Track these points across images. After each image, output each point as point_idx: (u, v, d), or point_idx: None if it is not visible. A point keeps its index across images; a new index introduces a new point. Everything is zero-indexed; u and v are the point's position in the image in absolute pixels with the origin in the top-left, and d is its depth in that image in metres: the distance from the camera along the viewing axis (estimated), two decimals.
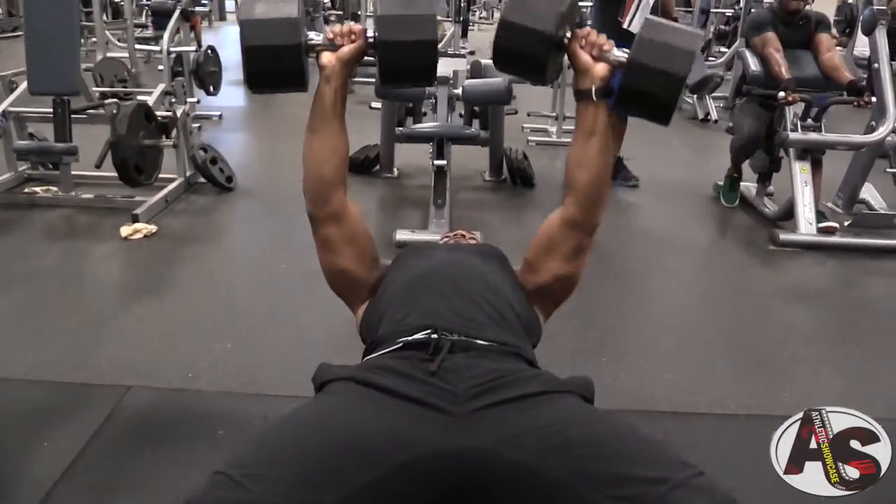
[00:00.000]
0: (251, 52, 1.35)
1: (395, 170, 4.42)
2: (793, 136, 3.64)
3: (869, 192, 4.03)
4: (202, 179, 4.01)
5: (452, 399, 1.10)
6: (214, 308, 2.68)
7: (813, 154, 3.70)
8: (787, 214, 3.70)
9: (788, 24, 3.82)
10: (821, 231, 3.51)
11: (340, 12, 8.55)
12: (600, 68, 1.37)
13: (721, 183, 4.22)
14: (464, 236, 1.81)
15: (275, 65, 1.37)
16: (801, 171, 3.66)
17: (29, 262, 3.07)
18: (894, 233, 3.56)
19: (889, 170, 3.80)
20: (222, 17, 14.43)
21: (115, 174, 3.36)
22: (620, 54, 1.38)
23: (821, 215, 3.60)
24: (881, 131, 3.60)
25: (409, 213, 3.80)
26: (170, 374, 2.22)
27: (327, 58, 1.39)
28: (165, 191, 3.71)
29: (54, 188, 3.80)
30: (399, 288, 1.40)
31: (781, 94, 3.58)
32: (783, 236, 3.51)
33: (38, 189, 3.83)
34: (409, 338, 1.24)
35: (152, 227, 3.36)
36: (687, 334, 2.68)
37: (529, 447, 1.04)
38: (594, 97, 1.37)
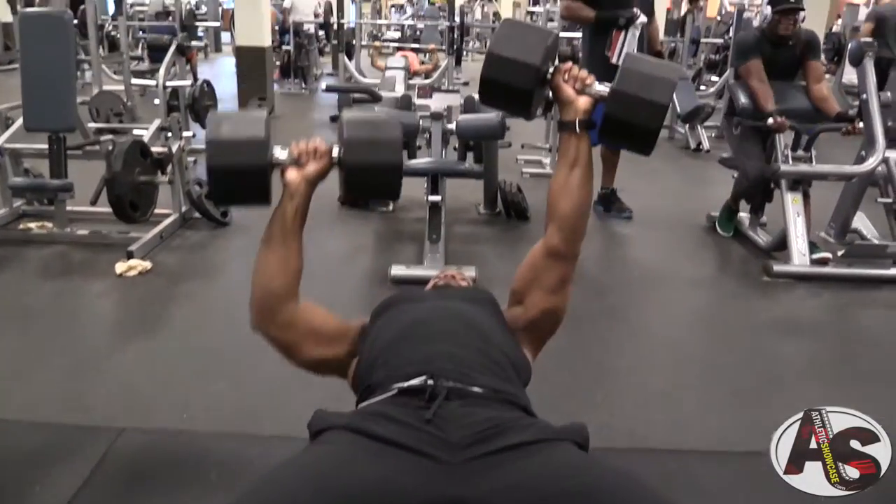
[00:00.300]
0: (217, 172, 1.36)
1: (390, 204, 4.44)
2: (784, 167, 3.68)
3: (861, 222, 4.05)
4: (197, 214, 4.01)
5: (447, 448, 1.09)
6: (209, 347, 2.67)
7: (803, 185, 3.73)
8: (781, 245, 3.72)
9: (778, 45, 3.81)
10: (814, 262, 3.53)
11: (336, 42, 8.62)
12: (583, 101, 1.43)
13: (715, 214, 4.24)
14: (454, 277, 1.81)
15: (240, 184, 1.38)
16: (792, 202, 3.68)
17: (23, 299, 3.06)
18: (887, 262, 3.58)
19: (880, 199, 3.83)
20: (218, 49, 14.53)
21: (111, 209, 3.37)
22: (602, 88, 1.44)
23: (813, 246, 3.62)
24: (871, 161, 3.64)
25: (404, 247, 3.80)
26: (164, 414, 2.21)
27: (292, 175, 1.40)
28: (160, 227, 3.72)
29: (49, 224, 3.80)
30: (389, 338, 1.40)
31: (770, 121, 3.62)
32: (777, 268, 3.53)
33: (32, 225, 3.83)
34: (405, 384, 1.24)
35: (147, 264, 3.35)
36: (682, 369, 2.68)
37: (524, 497, 1.04)
38: (577, 129, 1.42)
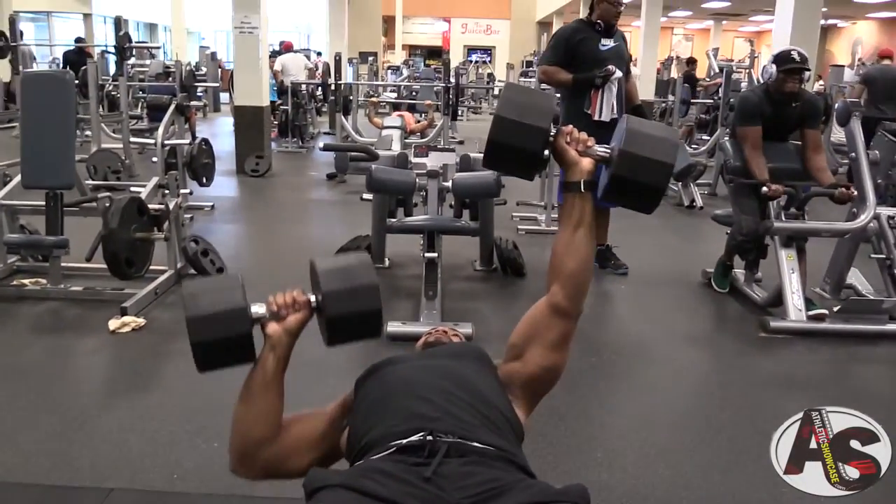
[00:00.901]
0: (202, 347, 1.37)
1: (387, 260, 4.44)
2: (777, 224, 3.71)
3: (855, 277, 4.07)
4: (193, 271, 4.01)
5: None
6: (201, 405, 2.62)
7: (797, 241, 3.76)
8: (776, 301, 3.72)
9: (781, 104, 3.76)
10: (811, 318, 3.52)
11: (333, 99, 8.77)
12: (586, 163, 1.48)
13: (710, 270, 4.26)
14: (445, 333, 1.80)
15: (225, 351, 1.40)
16: (787, 259, 3.70)
17: (13, 356, 3.03)
18: (884, 318, 3.58)
19: (873, 255, 3.85)
20: (216, 109, 14.77)
21: (106, 266, 3.36)
22: (602, 150, 1.49)
23: (809, 302, 3.62)
24: (863, 218, 3.68)
25: (400, 304, 3.79)
26: (154, 475, 2.16)
27: (273, 328, 1.41)
28: (155, 283, 3.70)
29: (43, 280, 3.79)
30: (379, 400, 1.38)
31: (764, 189, 3.62)
32: (773, 324, 3.52)
33: (26, 281, 3.81)
34: (403, 441, 1.21)
35: (141, 321, 3.33)
36: (682, 427, 2.64)
37: None
38: (582, 189, 1.47)
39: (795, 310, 3.55)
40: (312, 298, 1.42)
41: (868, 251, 3.90)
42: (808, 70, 3.83)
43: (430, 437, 1.20)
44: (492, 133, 1.46)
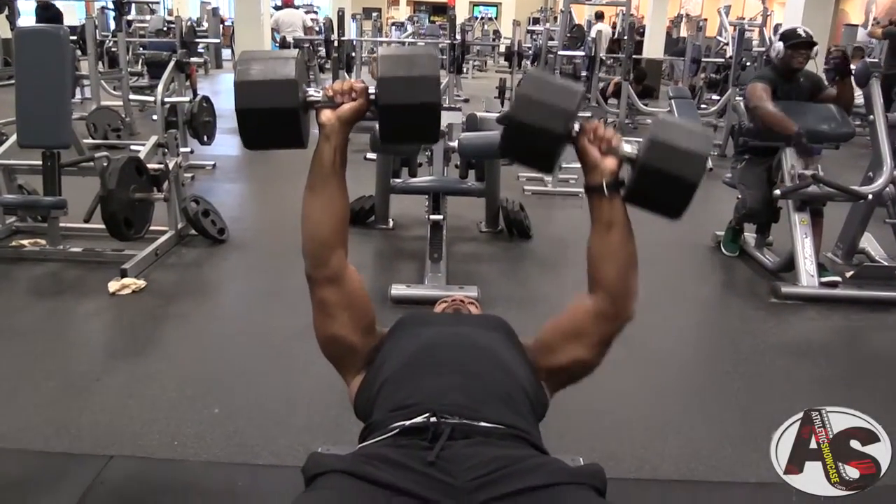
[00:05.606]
0: (247, 115, 1.30)
1: (391, 221, 4.37)
2: (784, 188, 3.60)
3: (868, 243, 3.99)
4: (194, 232, 3.94)
5: (452, 493, 1.02)
6: (202, 370, 2.59)
7: (812, 205, 3.67)
8: (788, 266, 3.65)
9: (788, 81, 3.83)
10: (823, 285, 3.46)
11: (336, 56, 8.61)
12: (609, 162, 1.33)
13: (720, 233, 4.18)
14: (462, 302, 1.74)
15: (271, 126, 1.32)
16: (800, 223, 3.62)
17: (11, 319, 2.98)
18: None
19: (888, 220, 3.77)
20: (218, 66, 14.53)
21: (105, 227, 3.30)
22: (629, 148, 1.34)
23: (822, 268, 3.55)
24: (879, 183, 3.59)
25: (404, 266, 3.73)
26: (154, 442, 2.13)
27: (327, 116, 1.33)
28: (155, 244, 3.64)
29: (42, 241, 3.72)
30: (398, 364, 1.33)
31: (802, 139, 3.53)
32: (785, 289, 3.46)
33: (25, 242, 3.75)
34: (407, 423, 1.17)
35: (141, 283, 3.28)
36: (691, 396, 2.60)
37: None
38: (606, 192, 1.33)
39: (808, 275, 3.48)
40: (371, 88, 1.34)
41: (883, 215, 3.82)
42: (815, 44, 3.91)
43: (433, 419, 1.15)
44: (503, 137, 1.34)
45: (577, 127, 1.33)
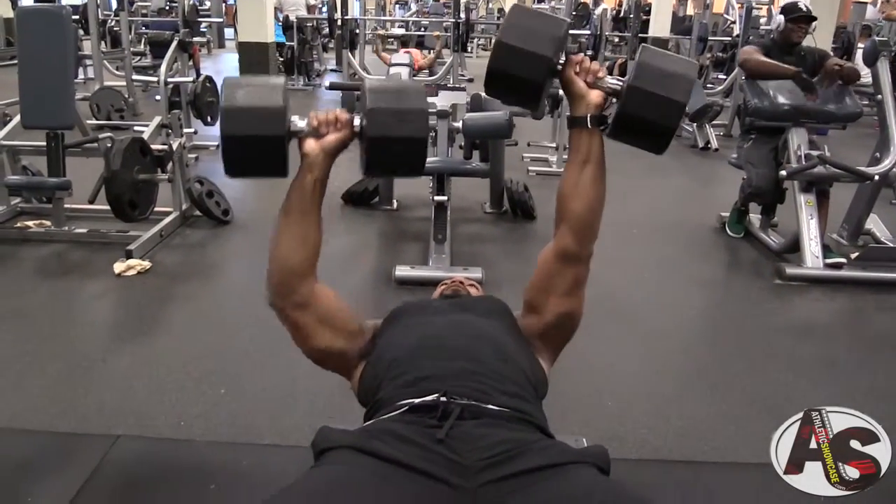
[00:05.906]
0: (232, 141, 1.28)
1: (395, 202, 4.37)
2: (791, 169, 3.59)
3: (874, 224, 3.97)
4: (198, 213, 3.95)
5: (461, 471, 1.03)
6: (208, 351, 2.60)
7: (818, 185, 3.65)
8: (793, 247, 3.64)
9: (789, 55, 3.82)
10: (828, 266, 3.45)
11: (339, 34, 8.54)
12: (595, 95, 1.35)
13: (725, 214, 4.17)
14: (462, 283, 1.73)
15: (257, 154, 1.30)
16: (806, 204, 3.61)
17: (17, 300, 2.99)
18: None
19: (895, 201, 3.75)
20: (221, 45, 14.48)
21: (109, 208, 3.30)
22: (614, 82, 1.36)
23: (827, 249, 3.54)
24: (886, 163, 3.56)
25: (408, 247, 3.73)
26: (160, 422, 2.14)
27: (311, 146, 1.32)
28: (160, 225, 3.65)
29: (47, 222, 3.73)
30: (401, 351, 1.33)
31: (803, 76, 3.61)
32: (790, 270, 3.45)
33: (30, 223, 3.76)
34: (416, 400, 1.17)
35: (146, 264, 3.29)
36: (694, 376, 2.60)
37: None
38: (589, 124, 1.34)
39: (812, 257, 3.47)
40: (356, 120, 1.33)
41: (889, 197, 3.80)
42: (815, 19, 3.91)
43: (443, 399, 1.16)
44: (491, 60, 1.34)
45: (563, 58, 1.34)
